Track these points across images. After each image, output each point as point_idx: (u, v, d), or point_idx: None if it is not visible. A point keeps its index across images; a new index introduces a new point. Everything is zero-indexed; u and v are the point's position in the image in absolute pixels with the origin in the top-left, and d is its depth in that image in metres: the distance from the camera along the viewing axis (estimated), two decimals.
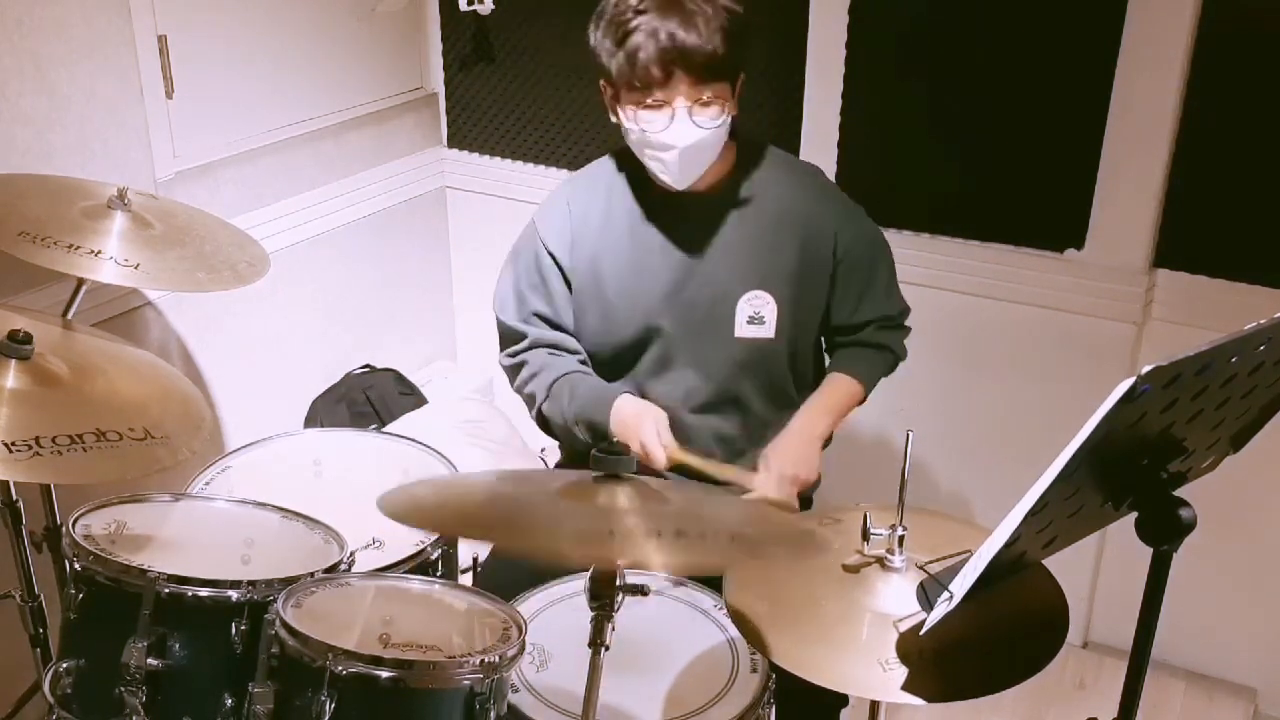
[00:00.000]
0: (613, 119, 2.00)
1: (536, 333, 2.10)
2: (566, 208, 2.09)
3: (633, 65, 1.85)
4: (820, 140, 2.63)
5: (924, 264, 2.63)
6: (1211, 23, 2.31)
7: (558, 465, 2.26)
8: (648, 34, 1.84)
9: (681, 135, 1.89)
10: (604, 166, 2.13)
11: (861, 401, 2.13)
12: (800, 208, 2.06)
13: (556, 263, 2.07)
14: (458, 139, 3.18)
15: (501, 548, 1.58)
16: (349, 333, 3.05)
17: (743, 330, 2.05)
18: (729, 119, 1.94)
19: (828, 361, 2.19)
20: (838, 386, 2.10)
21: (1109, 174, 2.45)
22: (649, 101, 1.88)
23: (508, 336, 2.14)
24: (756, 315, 2.05)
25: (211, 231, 2.21)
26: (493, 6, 2.94)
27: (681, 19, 1.84)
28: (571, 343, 2.12)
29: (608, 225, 2.07)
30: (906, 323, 2.20)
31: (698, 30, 1.84)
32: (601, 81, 1.97)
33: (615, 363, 2.11)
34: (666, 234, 2.05)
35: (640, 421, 1.96)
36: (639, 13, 1.86)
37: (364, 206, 3.00)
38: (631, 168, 2.08)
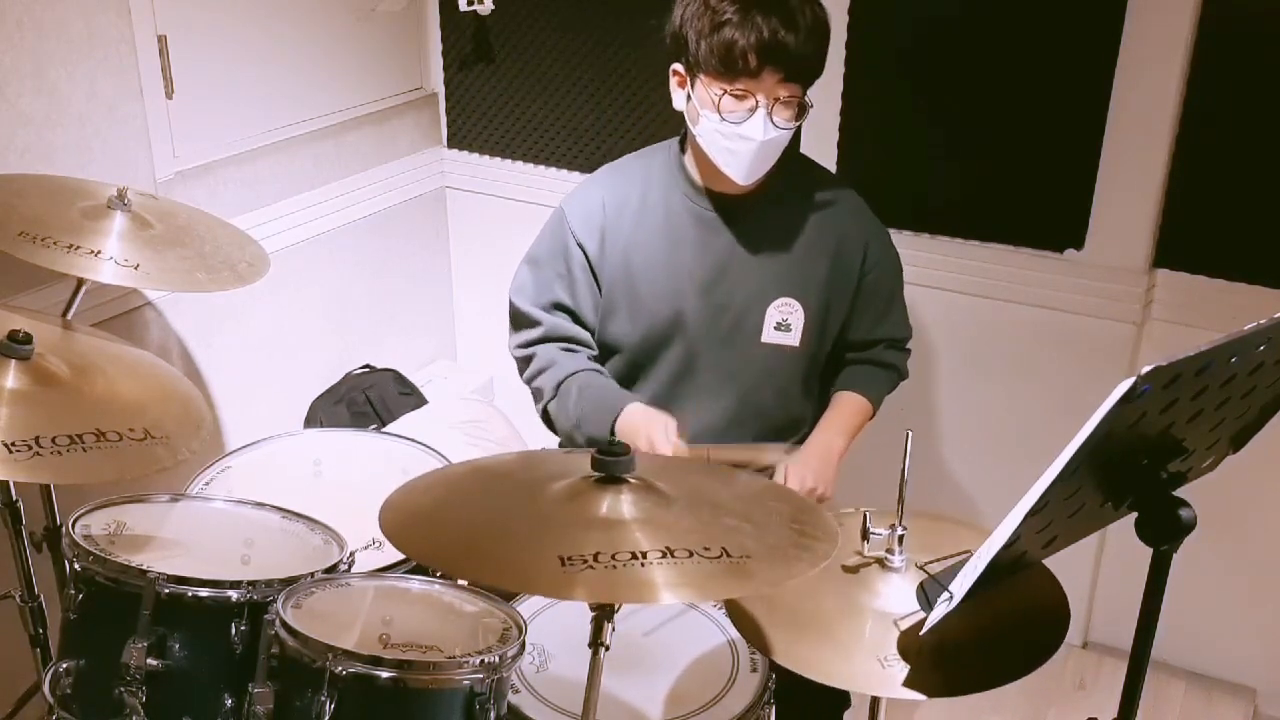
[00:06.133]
0: (678, 105, 2.00)
1: (552, 322, 2.09)
2: (600, 200, 2.08)
3: (729, 50, 1.85)
4: (820, 140, 2.63)
5: (924, 264, 2.63)
6: (1211, 23, 2.31)
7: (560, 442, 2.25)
8: (750, 24, 1.84)
9: (760, 130, 1.89)
10: (640, 160, 2.12)
11: (870, 419, 2.15)
12: (834, 220, 2.08)
13: (585, 254, 2.06)
14: (458, 139, 3.18)
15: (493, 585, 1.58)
16: (349, 333, 3.05)
17: (769, 336, 2.06)
18: (797, 124, 1.94)
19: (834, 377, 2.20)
20: (852, 407, 2.11)
21: (1109, 174, 2.45)
22: (732, 90, 1.89)
23: (520, 322, 2.13)
24: (784, 322, 2.05)
25: (211, 231, 2.21)
26: (493, 6, 2.94)
27: (784, 17, 1.85)
28: (586, 337, 2.11)
29: (643, 219, 2.06)
30: (909, 345, 2.22)
31: (797, 30, 1.86)
32: (675, 65, 1.97)
33: (637, 363, 2.11)
34: (703, 233, 2.05)
35: (650, 421, 1.95)
36: (742, 1, 1.86)
37: (364, 206, 3.00)
38: (670, 164, 2.08)
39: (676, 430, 1.94)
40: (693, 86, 1.95)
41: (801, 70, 1.90)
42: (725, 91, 1.89)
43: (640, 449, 1.89)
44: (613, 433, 1.98)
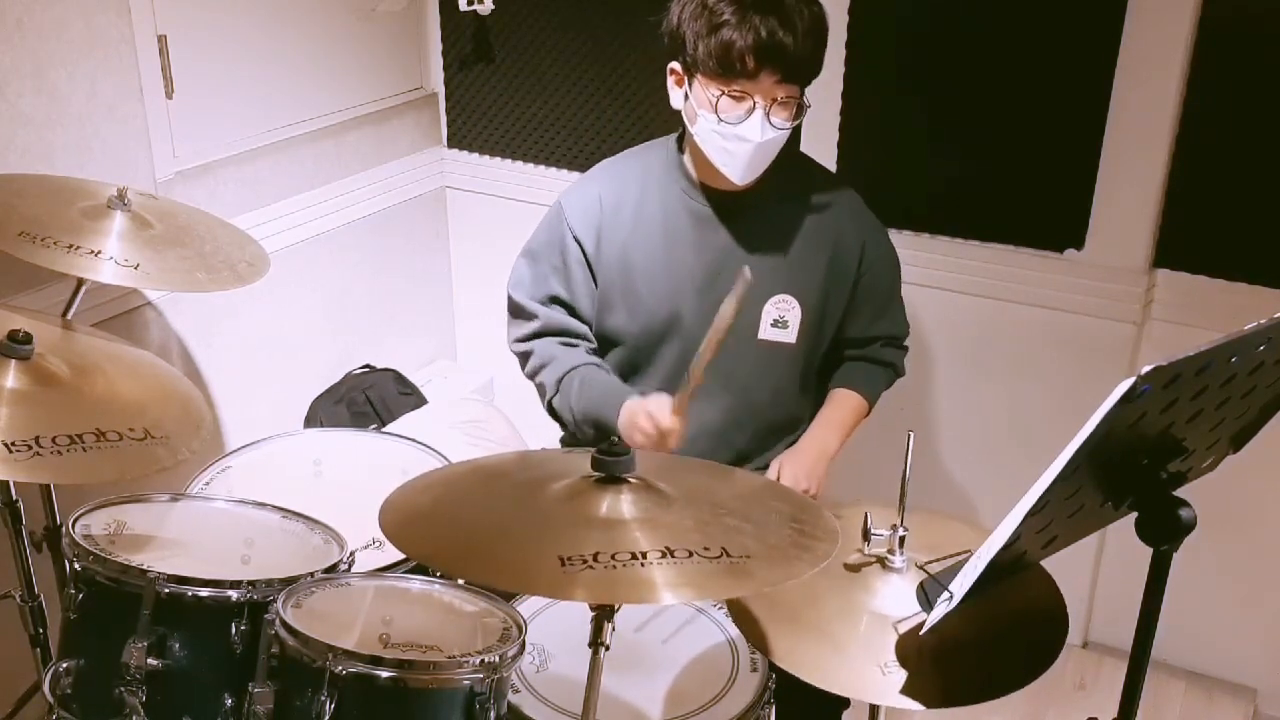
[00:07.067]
0: (675, 104, 2.00)
1: (549, 315, 2.10)
2: (597, 196, 2.08)
3: (726, 52, 1.85)
4: (820, 140, 2.63)
5: (924, 264, 2.63)
6: (1211, 23, 2.31)
7: (561, 441, 2.26)
8: (747, 25, 1.84)
9: (757, 131, 1.89)
10: (638, 157, 2.13)
11: (866, 416, 2.15)
12: (831, 218, 2.08)
13: (582, 250, 2.07)
14: (458, 139, 3.18)
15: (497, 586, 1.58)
16: (349, 333, 3.05)
17: (766, 333, 2.06)
18: (795, 124, 1.94)
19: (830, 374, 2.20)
20: (848, 404, 2.12)
21: (1109, 174, 2.45)
22: (730, 92, 1.88)
23: (518, 314, 2.14)
24: (781, 319, 2.05)
25: (211, 231, 2.20)
26: (493, 6, 2.94)
27: (781, 17, 1.85)
28: (584, 330, 2.11)
29: (640, 217, 2.06)
30: (906, 342, 2.22)
31: (795, 31, 1.86)
32: (672, 63, 1.97)
33: (634, 360, 2.11)
34: (701, 230, 2.05)
35: (645, 401, 1.95)
36: (739, 2, 1.86)
37: (364, 206, 3.00)
38: (668, 161, 2.08)
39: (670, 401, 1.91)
40: (690, 86, 1.95)
41: (799, 71, 1.90)
42: (723, 93, 1.89)
43: (644, 430, 1.90)
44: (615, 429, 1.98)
